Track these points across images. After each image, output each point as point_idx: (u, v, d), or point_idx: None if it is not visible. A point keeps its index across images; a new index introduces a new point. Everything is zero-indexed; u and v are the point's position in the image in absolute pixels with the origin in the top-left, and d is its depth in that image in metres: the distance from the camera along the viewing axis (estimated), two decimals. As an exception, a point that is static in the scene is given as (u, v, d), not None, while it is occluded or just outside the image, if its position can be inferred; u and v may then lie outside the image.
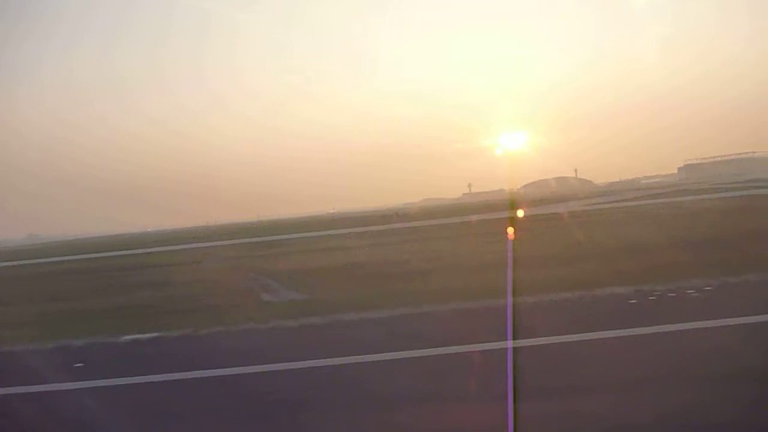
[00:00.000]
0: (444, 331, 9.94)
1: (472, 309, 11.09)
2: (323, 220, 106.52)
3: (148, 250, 50.84)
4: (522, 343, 8.23)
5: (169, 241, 68.89)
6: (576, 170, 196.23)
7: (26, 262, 48.94)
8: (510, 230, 32.98)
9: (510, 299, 11.08)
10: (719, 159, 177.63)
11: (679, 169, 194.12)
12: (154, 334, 11.30)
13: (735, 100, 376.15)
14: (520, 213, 55.48)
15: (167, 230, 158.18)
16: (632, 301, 10.63)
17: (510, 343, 8.16)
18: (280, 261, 27.63)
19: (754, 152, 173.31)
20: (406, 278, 16.97)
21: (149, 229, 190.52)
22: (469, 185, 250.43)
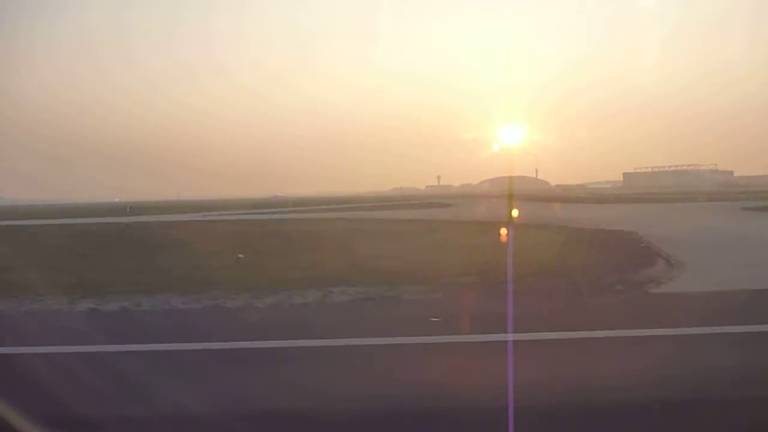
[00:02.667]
0: None
1: None
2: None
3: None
4: None
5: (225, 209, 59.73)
6: (537, 170, 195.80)
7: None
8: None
9: None
10: (663, 169, 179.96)
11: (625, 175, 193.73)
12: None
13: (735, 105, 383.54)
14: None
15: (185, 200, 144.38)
16: None
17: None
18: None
19: (699, 165, 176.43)
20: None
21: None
22: (438, 177, 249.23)
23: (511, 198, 59.14)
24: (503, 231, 21.28)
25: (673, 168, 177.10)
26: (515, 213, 33.87)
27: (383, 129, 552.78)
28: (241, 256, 13.78)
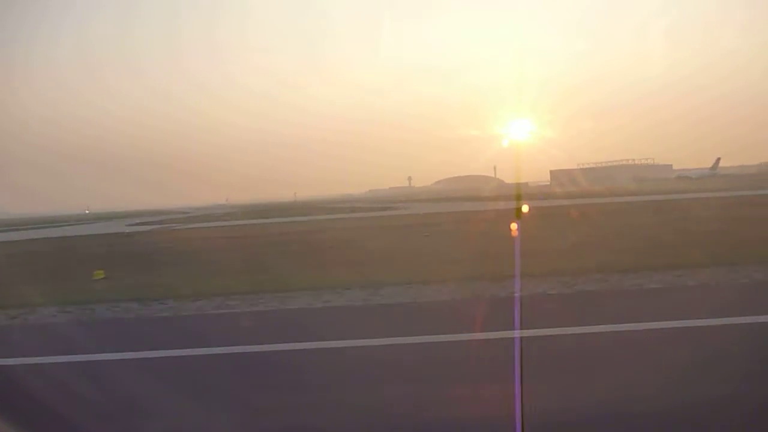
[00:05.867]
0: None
1: None
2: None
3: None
4: None
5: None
6: (495, 168, 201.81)
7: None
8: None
9: None
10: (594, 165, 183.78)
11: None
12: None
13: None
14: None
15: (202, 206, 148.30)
16: None
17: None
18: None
19: (633, 160, 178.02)
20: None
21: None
22: (409, 178, 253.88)
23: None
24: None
25: (604, 164, 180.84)
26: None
27: (389, 128, 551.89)
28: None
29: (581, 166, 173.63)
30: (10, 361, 7.64)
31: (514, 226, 23.32)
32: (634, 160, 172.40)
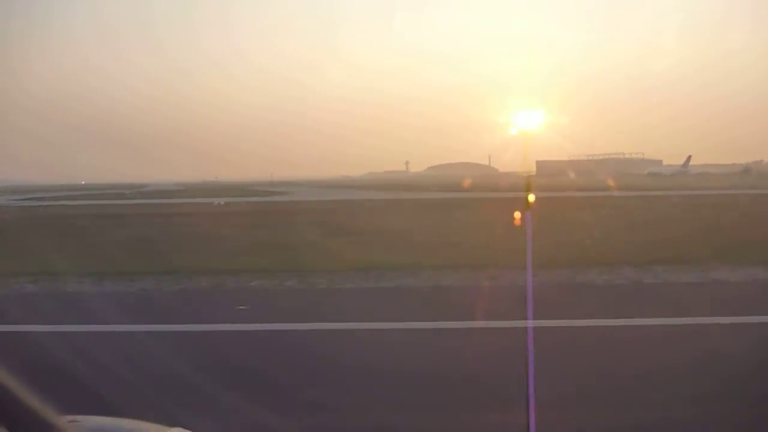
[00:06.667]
0: None
1: None
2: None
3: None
4: None
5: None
6: (489, 156, 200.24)
7: None
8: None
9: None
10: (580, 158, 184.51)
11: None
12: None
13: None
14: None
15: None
16: None
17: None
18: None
19: (623, 154, 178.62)
20: None
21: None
22: (406, 162, 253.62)
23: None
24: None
25: (591, 156, 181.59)
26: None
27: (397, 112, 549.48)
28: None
29: (573, 158, 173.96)
30: None
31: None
32: (624, 153, 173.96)
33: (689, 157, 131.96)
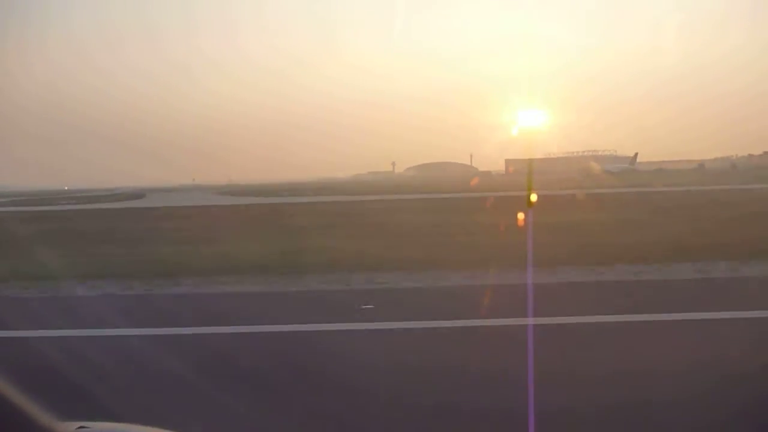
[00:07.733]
0: None
1: None
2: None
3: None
4: None
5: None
6: (471, 156, 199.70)
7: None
8: None
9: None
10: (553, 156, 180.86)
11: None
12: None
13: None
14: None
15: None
16: None
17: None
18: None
19: (596, 151, 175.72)
20: None
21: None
22: (393, 163, 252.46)
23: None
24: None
25: (560, 155, 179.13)
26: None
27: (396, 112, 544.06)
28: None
29: (547, 156, 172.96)
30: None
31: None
32: (596, 151, 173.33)
33: (636, 155, 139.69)
